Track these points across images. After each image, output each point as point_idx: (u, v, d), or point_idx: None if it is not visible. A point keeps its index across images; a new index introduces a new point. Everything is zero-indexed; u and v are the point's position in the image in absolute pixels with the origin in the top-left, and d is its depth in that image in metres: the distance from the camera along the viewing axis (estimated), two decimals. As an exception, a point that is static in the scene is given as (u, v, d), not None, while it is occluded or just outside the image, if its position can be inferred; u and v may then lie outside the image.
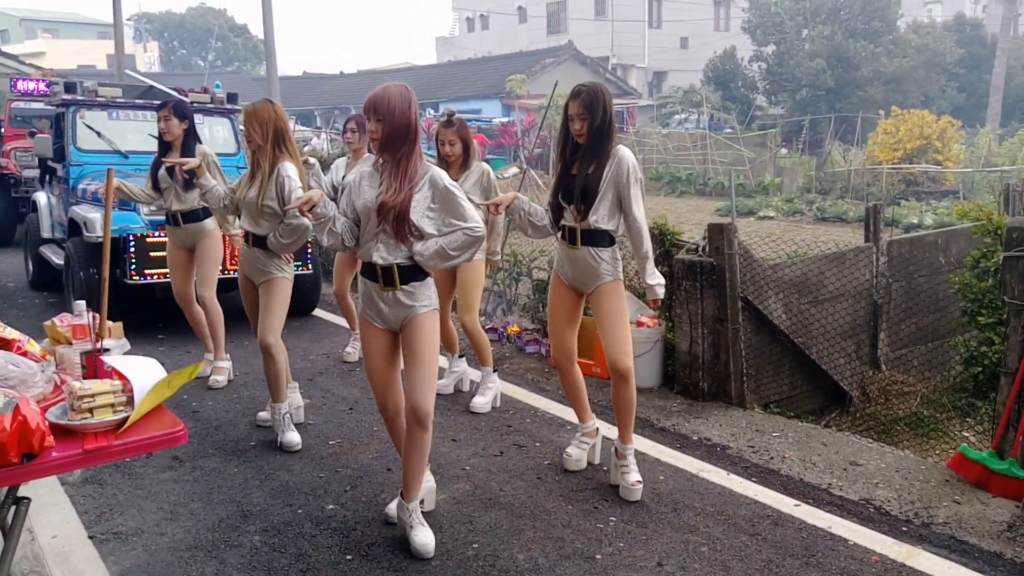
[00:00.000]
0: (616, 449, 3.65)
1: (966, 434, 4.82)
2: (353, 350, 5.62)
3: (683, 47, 40.45)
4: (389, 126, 2.90)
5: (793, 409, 5.03)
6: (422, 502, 3.18)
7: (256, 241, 4.03)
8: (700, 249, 4.93)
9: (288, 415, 4.13)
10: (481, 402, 4.67)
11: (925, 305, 5.78)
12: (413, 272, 2.98)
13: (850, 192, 19.13)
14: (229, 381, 5.10)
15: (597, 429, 3.93)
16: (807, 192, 19.74)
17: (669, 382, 5.11)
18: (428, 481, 3.29)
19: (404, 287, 2.97)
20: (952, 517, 3.38)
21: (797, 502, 3.52)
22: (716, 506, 3.47)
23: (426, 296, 3.02)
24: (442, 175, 2.98)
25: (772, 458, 4.03)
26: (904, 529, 3.30)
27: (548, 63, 31.60)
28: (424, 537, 3.03)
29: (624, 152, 3.48)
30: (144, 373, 2.13)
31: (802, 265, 5.32)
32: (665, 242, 5.24)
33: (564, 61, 31.71)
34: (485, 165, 4.53)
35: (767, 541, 3.17)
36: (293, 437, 4.05)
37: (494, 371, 4.76)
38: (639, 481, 3.55)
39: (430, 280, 3.06)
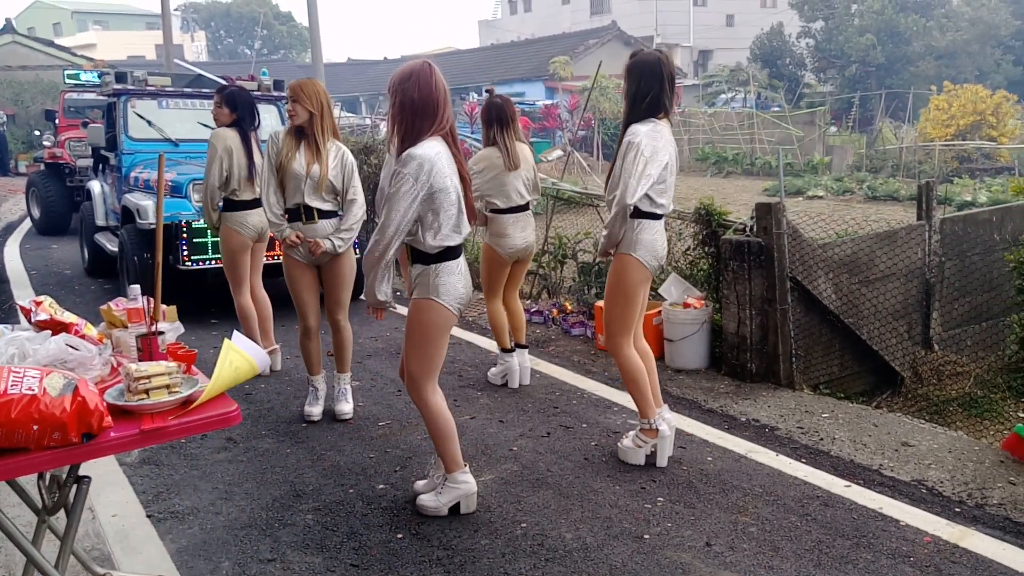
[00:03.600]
0: None
1: (1021, 414, 4.68)
2: None
3: (729, 25, 39.72)
4: (392, 103, 2.89)
5: (843, 390, 4.94)
6: (457, 506, 3.18)
7: (323, 215, 4.08)
8: (748, 229, 4.86)
9: (348, 386, 4.36)
10: (491, 372, 4.91)
11: (979, 284, 5.62)
12: (415, 255, 2.99)
13: (901, 170, 18.64)
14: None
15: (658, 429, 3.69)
16: (857, 171, 19.30)
17: (716, 363, 5.06)
18: (466, 484, 3.19)
19: (412, 266, 3.02)
20: (1007, 498, 3.30)
21: (847, 483, 3.46)
22: (765, 487, 3.43)
23: (424, 285, 2.97)
24: (408, 157, 2.81)
25: (822, 439, 3.97)
26: (957, 510, 3.23)
27: (592, 44, 31.28)
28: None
29: (631, 130, 3.34)
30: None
31: (852, 244, 5.20)
32: (712, 222, 5.17)
33: (608, 42, 31.35)
34: (482, 152, 4.51)
35: (817, 522, 3.13)
36: (347, 407, 4.29)
37: (504, 351, 4.80)
38: (619, 444, 3.74)
39: (438, 270, 2.95)
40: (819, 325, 4.96)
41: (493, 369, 4.92)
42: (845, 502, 3.29)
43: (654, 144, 3.33)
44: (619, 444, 3.74)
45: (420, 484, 3.37)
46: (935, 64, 26.97)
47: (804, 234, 4.91)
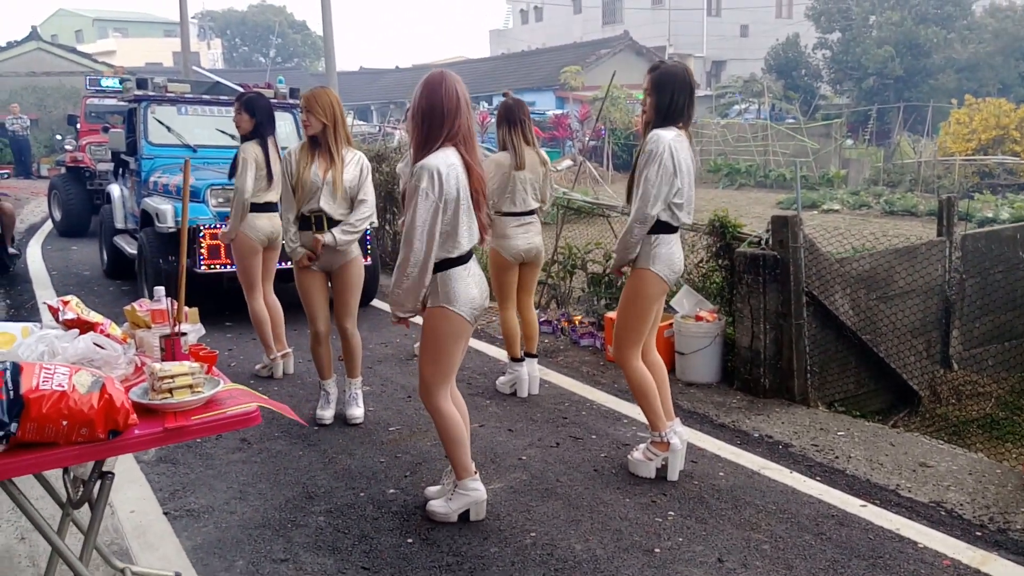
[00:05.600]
0: None
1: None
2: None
3: (743, 35, 39.72)
4: (411, 112, 2.93)
5: (859, 408, 4.91)
6: (467, 512, 3.20)
7: (333, 225, 4.13)
8: (763, 242, 4.85)
9: (357, 390, 4.37)
10: (500, 381, 4.93)
11: (1001, 302, 5.58)
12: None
13: (920, 185, 18.50)
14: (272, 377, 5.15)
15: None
16: (874, 185, 19.18)
17: (728, 378, 5.04)
18: (476, 491, 3.21)
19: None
20: (1029, 522, 3.26)
21: (863, 503, 3.43)
22: (778, 504, 3.41)
23: (435, 293, 2.98)
24: (420, 169, 2.82)
25: (837, 457, 3.94)
26: (978, 534, 3.19)
27: (603, 54, 31.31)
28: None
29: (653, 136, 3.31)
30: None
31: (870, 260, 5.18)
32: (726, 235, 5.16)
33: (620, 52, 31.38)
34: (492, 157, 4.52)
35: (832, 541, 3.10)
36: (358, 412, 4.30)
37: (514, 360, 4.83)
38: (630, 456, 3.73)
39: (446, 276, 2.95)
40: (835, 341, 4.93)
41: (502, 378, 4.93)
42: (861, 522, 3.26)
43: (677, 154, 3.31)
44: (630, 456, 3.73)
45: (432, 490, 3.38)
46: (956, 77, 26.76)
47: (821, 248, 4.89)
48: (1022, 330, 5.52)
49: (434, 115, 2.87)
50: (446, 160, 2.86)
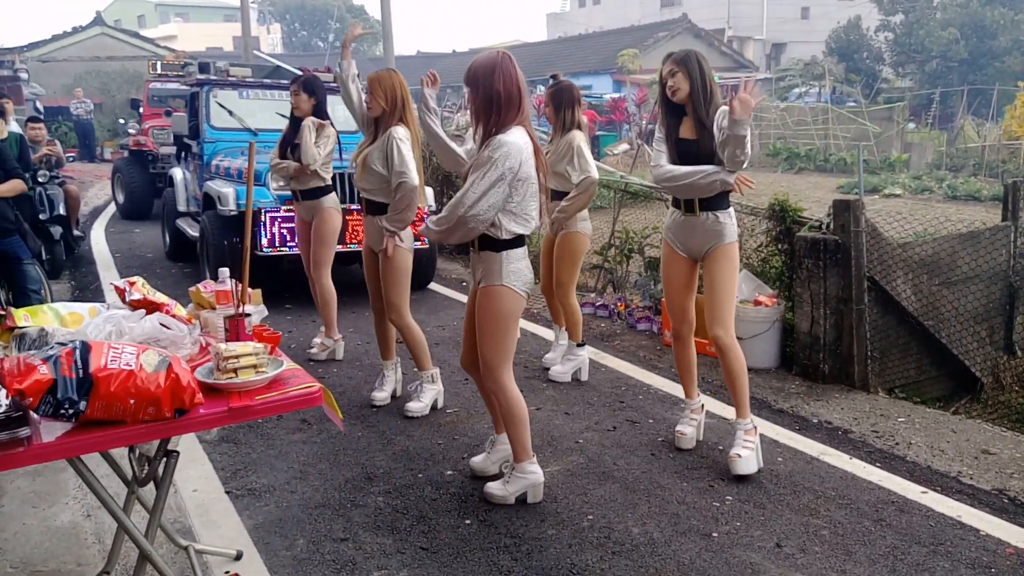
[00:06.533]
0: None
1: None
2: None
3: (804, 17, 38.66)
4: (476, 95, 2.93)
5: (919, 394, 4.78)
6: (524, 495, 3.22)
7: (371, 208, 4.15)
8: (824, 227, 4.74)
9: (421, 384, 4.25)
10: (559, 371, 4.78)
11: (1071, 289, 5.32)
12: (483, 241, 3.01)
13: (984, 169, 17.78)
14: (332, 359, 5.16)
15: (703, 406, 3.87)
16: (937, 169, 18.50)
17: (787, 363, 4.96)
18: (534, 474, 3.23)
19: (478, 253, 3.06)
20: (1102, 515, 3.14)
21: (924, 489, 3.36)
22: (838, 490, 3.35)
23: (494, 272, 3.00)
24: (497, 141, 2.85)
25: (897, 444, 3.85)
26: (1045, 524, 3.10)
27: (661, 37, 30.78)
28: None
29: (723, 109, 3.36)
30: None
31: (933, 245, 5.02)
32: (786, 219, 5.06)
33: (678, 34, 30.81)
34: (571, 135, 4.45)
35: (892, 527, 3.04)
36: (412, 405, 4.19)
37: (579, 345, 4.78)
38: (739, 455, 3.45)
39: (508, 256, 2.99)
40: (896, 327, 4.80)
41: (559, 367, 4.81)
42: (921, 508, 3.20)
43: None
44: (735, 455, 3.46)
45: (476, 460, 3.43)
46: (1023, 59, 25.67)
47: (883, 233, 4.76)
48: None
49: (511, 98, 2.90)
50: (522, 138, 2.91)
